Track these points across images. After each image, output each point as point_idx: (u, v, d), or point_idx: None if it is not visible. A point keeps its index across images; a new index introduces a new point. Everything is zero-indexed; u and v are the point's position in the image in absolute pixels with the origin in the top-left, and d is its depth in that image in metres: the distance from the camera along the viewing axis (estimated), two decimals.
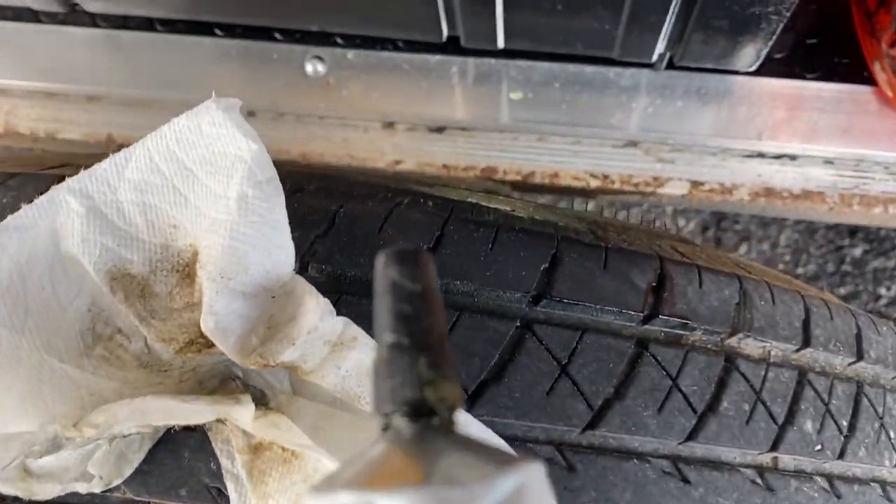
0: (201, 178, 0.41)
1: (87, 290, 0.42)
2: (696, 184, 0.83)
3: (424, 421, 0.23)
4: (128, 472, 0.44)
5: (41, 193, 0.50)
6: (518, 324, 0.49)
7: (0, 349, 0.44)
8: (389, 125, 0.84)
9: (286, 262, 0.42)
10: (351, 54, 0.83)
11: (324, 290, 0.42)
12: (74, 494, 0.46)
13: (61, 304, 0.42)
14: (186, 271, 0.42)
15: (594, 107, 0.82)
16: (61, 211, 0.42)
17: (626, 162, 0.83)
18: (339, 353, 0.40)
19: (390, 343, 0.24)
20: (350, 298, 0.47)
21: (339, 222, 0.50)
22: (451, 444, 0.21)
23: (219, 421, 0.44)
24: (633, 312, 0.51)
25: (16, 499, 0.47)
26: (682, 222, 1.19)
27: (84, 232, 0.41)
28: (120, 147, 0.78)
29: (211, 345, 0.42)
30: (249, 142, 0.40)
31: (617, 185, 0.82)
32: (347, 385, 0.40)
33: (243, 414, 0.39)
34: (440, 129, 0.84)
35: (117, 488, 0.45)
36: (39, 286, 0.42)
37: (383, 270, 0.25)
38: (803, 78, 0.82)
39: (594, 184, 0.82)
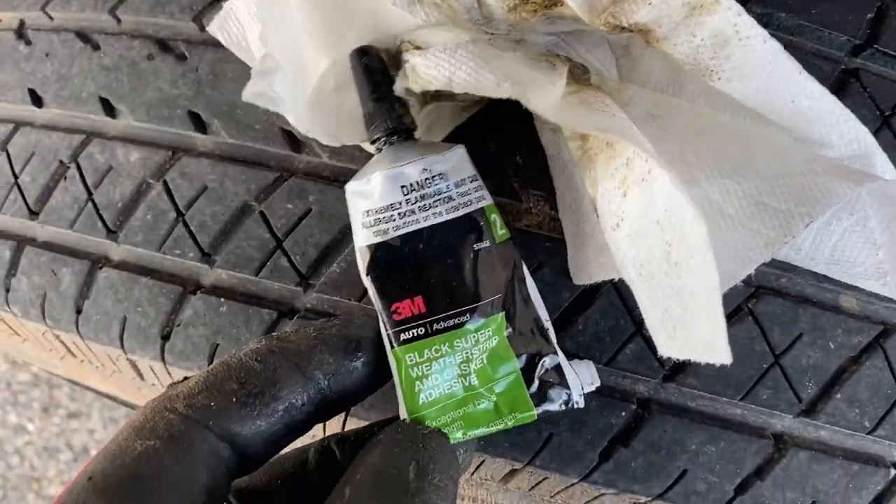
0: None
1: None
2: None
3: (399, 136, 0.39)
4: None
5: None
6: (843, 67, 0.46)
7: None
8: None
9: None
10: None
11: None
12: None
13: None
14: None
15: None
16: None
17: None
18: (697, 18, 0.36)
19: (373, 100, 0.39)
20: None
21: None
22: (422, 144, 0.39)
23: None
24: None
25: None
26: None
27: None
28: None
29: (548, 5, 0.39)
30: None
31: None
32: (700, 56, 0.37)
33: (544, 103, 0.36)
34: None
35: None
36: None
37: (355, 61, 0.39)
38: None
39: None
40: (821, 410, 0.44)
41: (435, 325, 0.37)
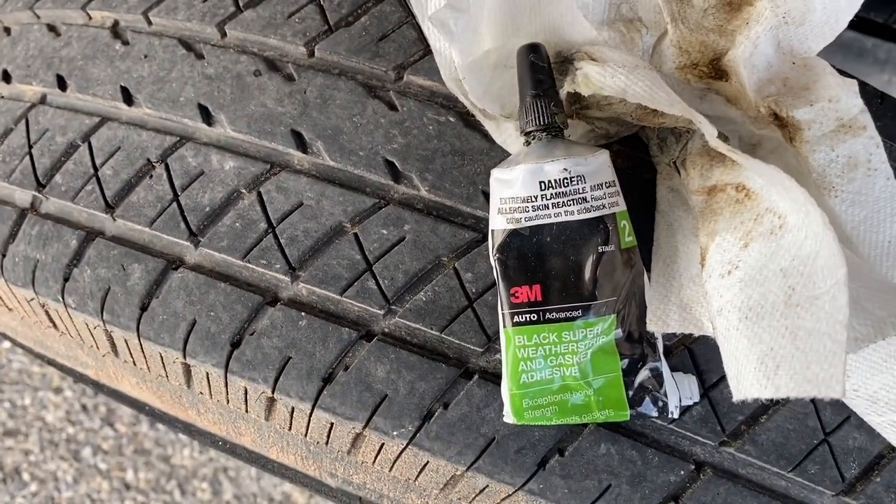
0: None
1: None
2: None
3: (550, 133, 0.41)
4: None
5: None
6: None
7: None
8: None
9: (847, 10, 0.41)
10: None
11: None
12: None
13: None
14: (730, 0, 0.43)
15: None
16: None
17: None
18: (841, 135, 0.41)
19: (532, 94, 0.41)
20: None
21: None
22: (568, 144, 0.42)
23: (669, 164, 0.45)
24: None
25: None
26: None
27: None
28: None
29: (715, 76, 0.43)
30: None
31: None
32: (829, 170, 0.41)
33: (711, 129, 0.40)
34: None
35: None
36: None
37: (524, 56, 0.41)
38: None
39: None
40: (860, 491, 0.46)
41: (548, 314, 0.40)
